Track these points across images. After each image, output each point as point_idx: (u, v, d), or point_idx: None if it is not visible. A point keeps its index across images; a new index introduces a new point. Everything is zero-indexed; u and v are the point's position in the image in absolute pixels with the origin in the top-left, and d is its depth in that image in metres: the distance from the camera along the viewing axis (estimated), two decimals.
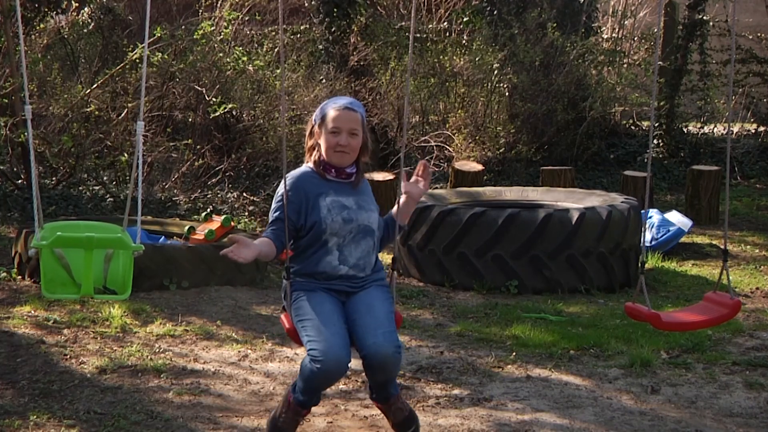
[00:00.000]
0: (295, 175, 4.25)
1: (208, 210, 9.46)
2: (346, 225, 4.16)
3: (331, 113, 4.20)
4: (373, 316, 4.09)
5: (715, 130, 14.23)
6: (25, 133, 6.89)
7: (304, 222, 4.17)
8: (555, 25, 12.92)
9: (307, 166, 4.29)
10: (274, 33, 12.81)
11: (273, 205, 4.23)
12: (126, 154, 9.96)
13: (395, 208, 4.33)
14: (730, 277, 7.85)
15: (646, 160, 12.81)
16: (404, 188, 4.29)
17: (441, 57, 13.01)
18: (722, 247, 5.01)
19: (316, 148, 4.25)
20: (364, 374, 5.16)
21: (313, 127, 4.27)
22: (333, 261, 4.17)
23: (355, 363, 5.42)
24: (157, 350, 5.60)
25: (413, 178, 4.33)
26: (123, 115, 10.31)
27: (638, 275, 4.60)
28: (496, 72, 12.90)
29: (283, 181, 4.16)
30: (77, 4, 11.46)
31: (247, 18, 11.99)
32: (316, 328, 3.99)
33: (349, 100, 4.28)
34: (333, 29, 12.88)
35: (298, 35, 13.66)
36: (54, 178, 10.58)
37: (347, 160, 4.21)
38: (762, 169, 13.52)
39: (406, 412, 4.29)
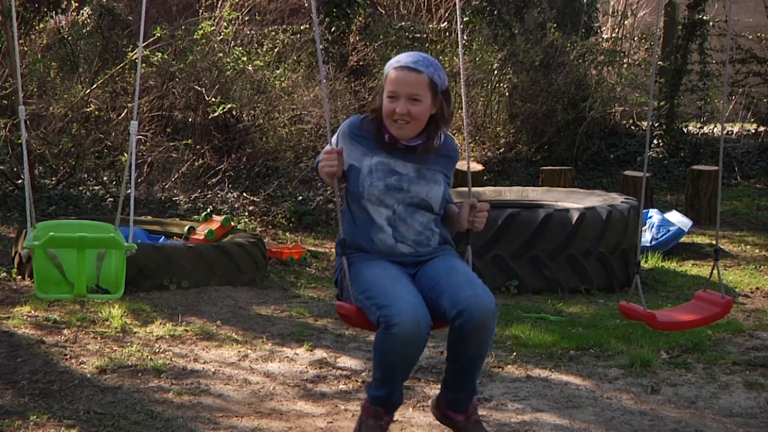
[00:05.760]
0: (350, 123, 3.73)
1: (208, 210, 9.46)
2: (391, 194, 3.60)
3: (392, 73, 3.58)
4: (460, 274, 3.54)
5: (715, 130, 14.23)
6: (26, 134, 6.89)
7: (347, 172, 3.65)
8: (555, 25, 12.92)
9: (364, 117, 3.75)
10: (274, 33, 12.81)
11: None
12: (126, 154, 9.95)
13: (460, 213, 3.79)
14: (730, 277, 7.91)
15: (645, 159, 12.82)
16: (466, 220, 3.78)
17: (441, 57, 13.01)
18: (721, 246, 5.01)
19: (380, 110, 3.66)
20: (363, 374, 5.17)
21: (380, 86, 3.68)
22: (387, 239, 3.65)
23: (355, 363, 5.42)
24: (157, 350, 5.60)
25: (470, 216, 3.78)
26: (123, 115, 10.30)
27: (635, 274, 4.60)
28: (496, 72, 12.90)
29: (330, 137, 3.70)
30: (77, 4, 11.46)
31: (247, 18, 11.99)
32: (384, 291, 3.46)
33: (416, 58, 3.60)
34: (332, 29, 12.88)
35: (298, 35, 13.66)
36: (54, 178, 10.58)
37: (407, 131, 3.60)
38: (762, 169, 13.53)
39: (485, 427, 3.82)
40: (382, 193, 3.61)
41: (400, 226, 3.63)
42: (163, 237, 7.83)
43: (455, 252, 3.79)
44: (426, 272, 3.64)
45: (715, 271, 4.73)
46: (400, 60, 3.60)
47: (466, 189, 9.09)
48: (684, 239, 9.19)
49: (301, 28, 14.02)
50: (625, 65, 14.39)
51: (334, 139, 3.72)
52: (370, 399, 3.76)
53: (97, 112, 10.27)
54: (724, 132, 4.75)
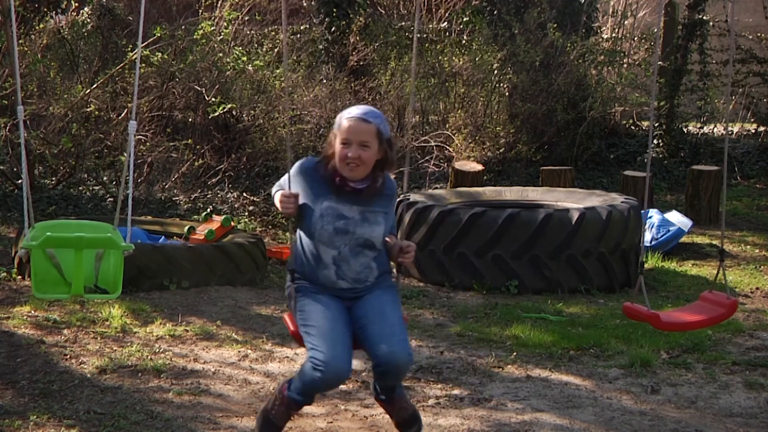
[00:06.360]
0: (304, 164, 4.20)
1: (208, 210, 9.46)
2: (339, 236, 4.06)
3: (344, 123, 4.08)
4: (385, 323, 4.06)
5: (715, 130, 14.24)
6: (24, 134, 6.89)
7: (302, 209, 4.11)
8: (555, 25, 12.93)
9: (319, 161, 4.19)
10: (274, 33, 12.82)
11: (275, 188, 4.26)
12: (126, 154, 9.94)
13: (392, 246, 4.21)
14: (730, 277, 7.91)
15: (645, 160, 12.83)
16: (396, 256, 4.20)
17: (441, 57, 13.02)
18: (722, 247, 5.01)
19: (332, 157, 4.13)
20: (363, 374, 5.18)
21: (332, 135, 4.15)
22: (330, 276, 4.11)
23: (354, 363, 5.42)
24: (157, 350, 5.60)
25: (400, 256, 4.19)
26: (123, 115, 10.30)
27: (638, 275, 4.59)
28: (496, 72, 12.90)
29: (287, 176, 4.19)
30: (77, 4, 11.46)
31: (247, 18, 11.99)
32: (320, 336, 3.97)
33: (365, 111, 4.13)
34: (333, 29, 12.89)
35: (298, 35, 13.66)
36: (54, 178, 10.58)
37: (358, 173, 4.07)
38: (762, 169, 13.53)
39: (410, 410, 4.30)
40: (331, 236, 4.08)
41: (343, 265, 4.11)
42: (163, 237, 7.83)
43: (391, 283, 4.26)
44: (360, 308, 4.13)
45: (719, 272, 4.73)
46: (351, 112, 4.11)
47: (465, 189, 9.14)
48: (684, 239, 9.19)
49: (301, 28, 14.03)
50: (625, 65, 14.39)
51: (293, 171, 4.20)
52: (288, 395, 4.14)
53: (97, 112, 10.27)
54: (727, 129, 4.76)
